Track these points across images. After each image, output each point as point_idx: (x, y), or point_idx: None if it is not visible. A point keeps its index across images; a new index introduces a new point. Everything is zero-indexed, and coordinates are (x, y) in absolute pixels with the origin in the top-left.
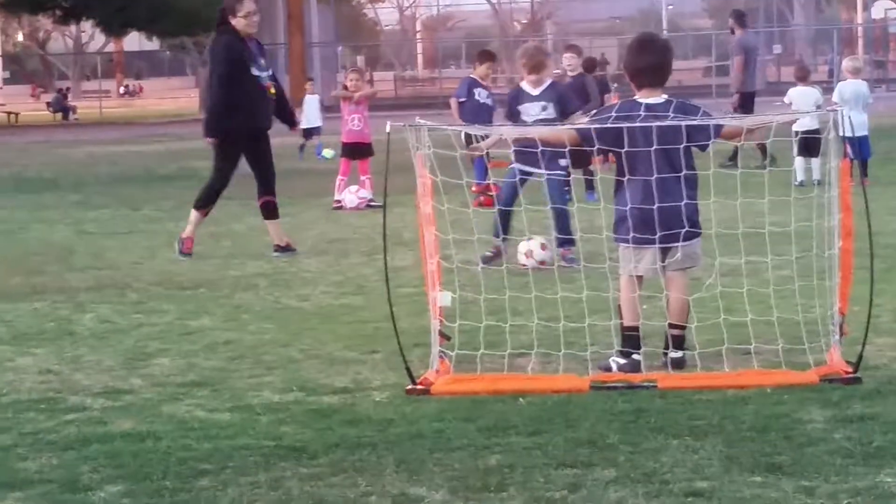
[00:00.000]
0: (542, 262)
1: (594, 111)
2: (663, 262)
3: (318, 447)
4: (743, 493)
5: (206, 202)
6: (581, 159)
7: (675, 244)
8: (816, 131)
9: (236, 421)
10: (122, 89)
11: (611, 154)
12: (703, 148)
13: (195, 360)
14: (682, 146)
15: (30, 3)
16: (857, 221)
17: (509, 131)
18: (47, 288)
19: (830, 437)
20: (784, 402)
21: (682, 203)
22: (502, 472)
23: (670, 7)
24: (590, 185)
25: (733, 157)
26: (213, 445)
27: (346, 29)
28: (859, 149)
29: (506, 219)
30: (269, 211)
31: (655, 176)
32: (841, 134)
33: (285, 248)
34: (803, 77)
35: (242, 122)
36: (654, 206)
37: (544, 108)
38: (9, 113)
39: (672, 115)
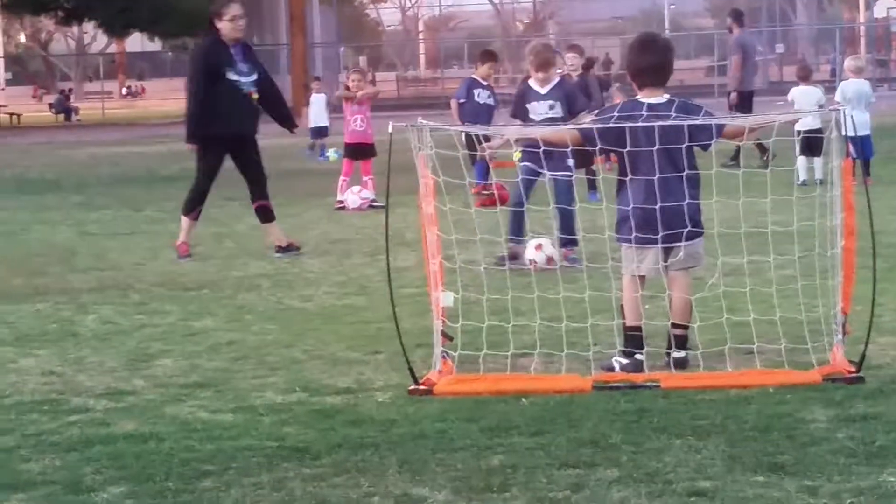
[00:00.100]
0: (549, 260)
1: (596, 111)
2: (666, 261)
3: (321, 448)
4: (746, 492)
5: (192, 206)
6: (583, 159)
7: (678, 244)
8: (819, 130)
9: (239, 422)
10: (124, 90)
11: (612, 154)
12: (706, 148)
13: (198, 361)
14: (684, 146)
15: (32, 4)
16: (860, 221)
17: (511, 131)
18: (50, 289)
19: (833, 437)
20: (787, 402)
21: (685, 203)
22: (505, 473)
23: (672, 7)
24: (592, 185)
25: (735, 157)
26: (216, 446)
27: (349, 29)
28: (862, 148)
29: (519, 219)
30: (264, 214)
31: (658, 176)
32: (843, 133)
33: (287, 249)
34: (805, 76)
35: (221, 127)
36: (657, 206)
37: (552, 107)
38: (11, 114)
39: (674, 114)
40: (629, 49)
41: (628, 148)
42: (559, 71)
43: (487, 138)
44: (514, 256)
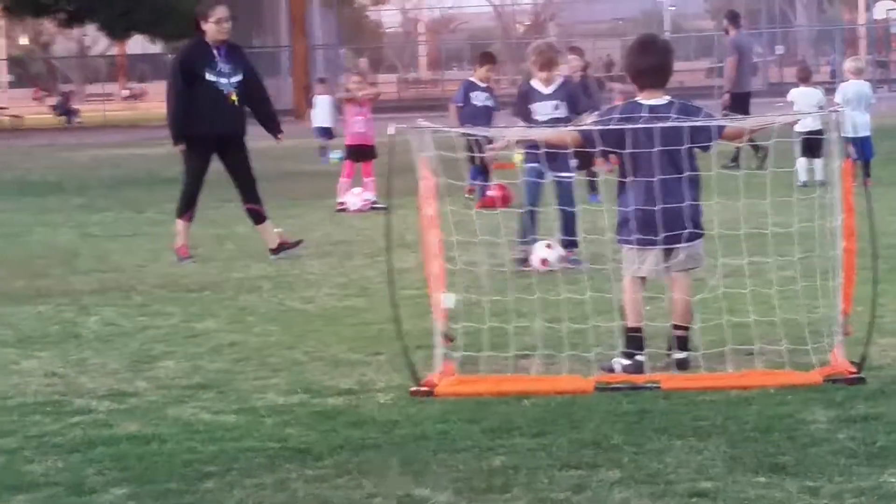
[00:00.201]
0: (544, 262)
1: (596, 112)
2: (666, 263)
3: (322, 449)
4: (747, 493)
5: (185, 209)
6: (584, 161)
7: (678, 245)
8: (819, 132)
9: (241, 423)
10: (125, 92)
11: (611, 156)
12: (706, 149)
13: (200, 363)
14: (684, 147)
15: (34, 6)
16: (860, 222)
17: (512, 133)
18: (52, 291)
19: (834, 438)
20: (788, 403)
21: (685, 204)
22: (507, 474)
23: (672, 8)
24: (593, 187)
25: (735, 159)
26: (218, 447)
27: (349, 31)
28: (862, 149)
29: (531, 220)
30: (254, 217)
31: (658, 177)
32: (843, 134)
33: (278, 249)
34: (805, 78)
35: (202, 128)
36: (657, 208)
37: (556, 107)
38: (13, 116)
39: (674, 116)
40: (629, 50)
41: (629, 150)
42: (560, 74)
43: (489, 140)
44: (526, 258)
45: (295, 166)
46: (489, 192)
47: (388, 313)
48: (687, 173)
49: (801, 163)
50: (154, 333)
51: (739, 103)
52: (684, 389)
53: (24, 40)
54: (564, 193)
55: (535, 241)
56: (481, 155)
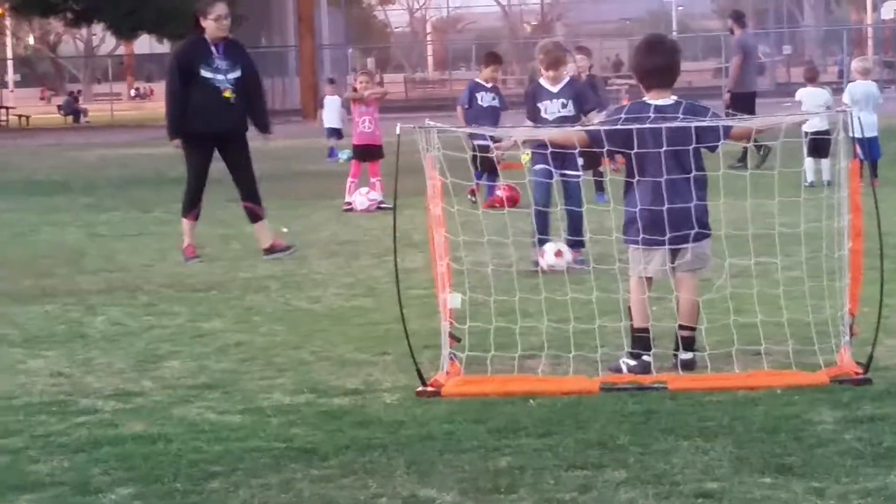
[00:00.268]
0: (552, 267)
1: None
2: (673, 263)
3: (328, 449)
4: (753, 494)
5: (189, 207)
6: (591, 161)
7: (685, 245)
8: (826, 132)
9: (247, 423)
10: (132, 92)
11: (618, 156)
12: (713, 149)
13: (206, 363)
14: (691, 147)
15: (41, 5)
16: (867, 222)
17: (519, 133)
18: (58, 290)
19: (841, 438)
20: (794, 403)
21: (692, 204)
22: (513, 474)
23: (680, 8)
24: (599, 187)
25: (742, 159)
26: (223, 447)
27: (357, 31)
28: (869, 150)
29: (544, 220)
30: (251, 216)
31: (665, 177)
32: (851, 135)
33: (270, 250)
34: (812, 78)
35: (198, 125)
36: (664, 208)
37: (564, 105)
38: (20, 116)
39: (681, 116)
40: (636, 50)
41: (636, 149)
42: (567, 73)
43: (495, 139)
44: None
45: (302, 166)
46: (497, 192)
47: (394, 313)
48: (694, 173)
49: (809, 163)
50: (160, 333)
51: (744, 103)
52: (691, 390)
53: (31, 40)
54: (572, 193)
55: (546, 241)
56: (485, 155)
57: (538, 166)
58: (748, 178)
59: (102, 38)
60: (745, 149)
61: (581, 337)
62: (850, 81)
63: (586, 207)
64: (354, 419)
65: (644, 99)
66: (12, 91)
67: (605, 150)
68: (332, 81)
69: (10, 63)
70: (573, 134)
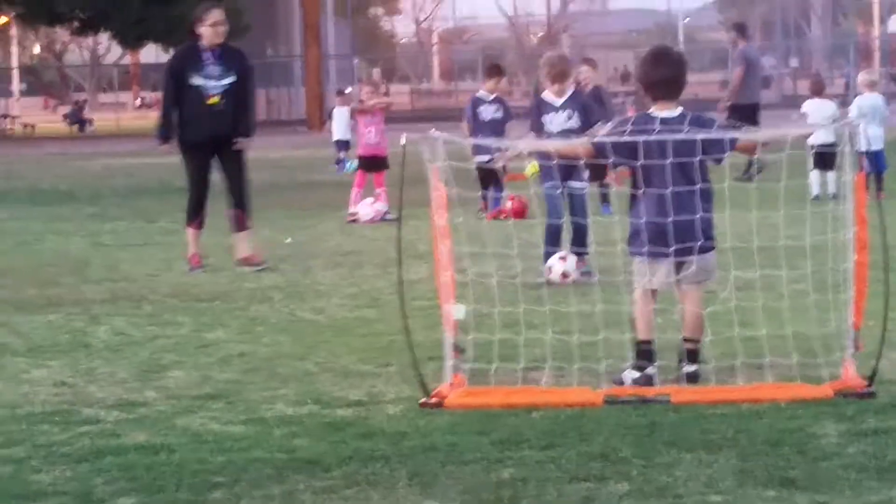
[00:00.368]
0: (565, 275)
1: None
2: (678, 275)
3: (331, 460)
4: None
5: (191, 216)
6: (596, 172)
7: (690, 258)
8: (832, 145)
9: (250, 434)
10: (138, 101)
11: (620, 169)
12: (719, 161)
13: (210, 373)
14: (697, 159)
15: (47, 14)
16: (872, 235)
17: (524, 144)
18: (62, 300)
19: (844, 452)
20: (798, 417)
21: (697, 216)
22: (515, 486)
23: (687, 20)
24: (605, 199)
25: (747, 171)
26: (226, 458)
27: (363, 41)
28: (875, 162)
29: (557, 233)
30: (236, 223)
31: (670, 189)
32: (856, 148)
33: (242, 262)
34: (818, 90)
35: (189, 133)
36: (669, 220)
37: (569, 118)
38: (25, 124)
39: (687, 128)
40: (642, 62)
41: (641, 161)
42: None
43: (500, 150)
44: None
45: (307, 176)
46: (508, 203)
47: (398, 324)
48: (699, 185)
49: (814, 175)
50: (164, 343)
51: (747, 115)
52: (694, 403)
53: (37, 48)
54: (578, 205)
55: (553, 254)
56: (486, 166)
57: (549, 183)
58: (754, 190)
59: (108, 48)
60: (751, 161)
61: (585, 349)
62: (856, 94)
63: (592, 219)
64: (357, 430)
65: (650, 111)
66: (18, 100)
67: (610, 161)
68: (341, 93)
69: (15, 72)
70: (579, 145)
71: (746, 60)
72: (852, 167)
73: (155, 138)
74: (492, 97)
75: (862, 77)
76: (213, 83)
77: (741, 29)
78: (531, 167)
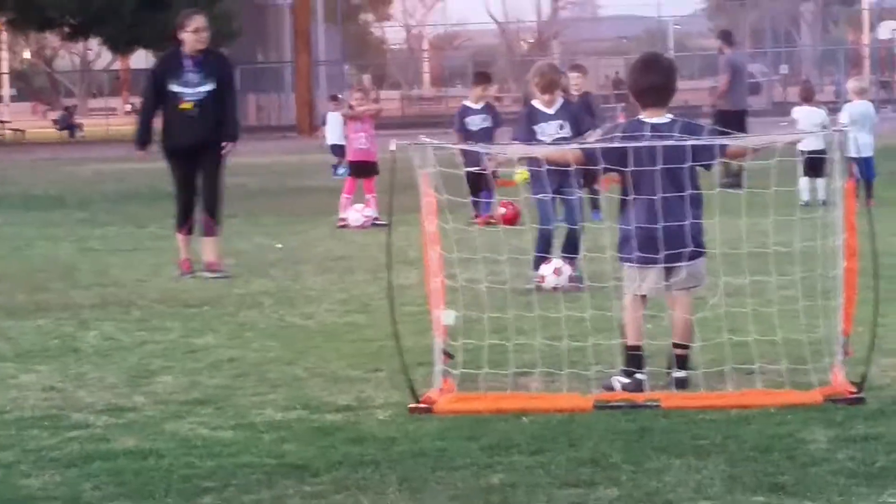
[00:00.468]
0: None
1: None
2: (667, 281)
3: (320, 465)
4: None
5: (180, 222)
6: (587, 179)
7: (680, 264)
8: (822, 151)
9: (239, 439)
10: (128, 107)
11: (609, 175)
12: (708, 167)
13: (199, 378)
14: (686, 166)
15: (37, 20)
16: (862, 242)
17: (514, 150)
18: (52, 305)
19: (834, 458)
20: (787, 422)
21: (687, 222)
22: (505, 491)
23: (677, 27)
24: (595, 205)
25: (737, 177)
26: (215, 463)
27: (353, 47)
28: (865, 169)
29: (548, 240)
30: (205, 228)
31: (660, 195)
32: (846, 154)
33: (206, 268)
34: (808, 97)
35: (168, 140)
36: (659, 226)
37: (561, 127)
38: (15, 130)
39: (677, 134)
40: (632, 69)
41: (631, 168)
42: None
43: (490, 156)
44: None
45: (297, 182)
46: (501, 210)
47: (388, 330)
48: (689, 192)
49: (804, 182)
50: (153, 348)
51: (734, 122)
52: (684, 408)
53: (27, 54)
54: (571, 210)
55: (544, 261)
56: (475, 170)
57: (540, 189)
58: (743, 196)
59: (98, 53)
60: (741, 167)
61: (575, 355)
62: (846, 101)
63: (582, 225)
64: (347, 435)
65: (640, 117)
66: (8, 105)
67: (601, 167)
68: (334, 98)
69: (5, 77)
70: (569, 152)
71: (732, 67)
72: (842, 174)
73: (133, 144)
74: (480, 106)
75: (852, 84)
76: (190, 90)
77: (727, 36)
78: (520, 174)
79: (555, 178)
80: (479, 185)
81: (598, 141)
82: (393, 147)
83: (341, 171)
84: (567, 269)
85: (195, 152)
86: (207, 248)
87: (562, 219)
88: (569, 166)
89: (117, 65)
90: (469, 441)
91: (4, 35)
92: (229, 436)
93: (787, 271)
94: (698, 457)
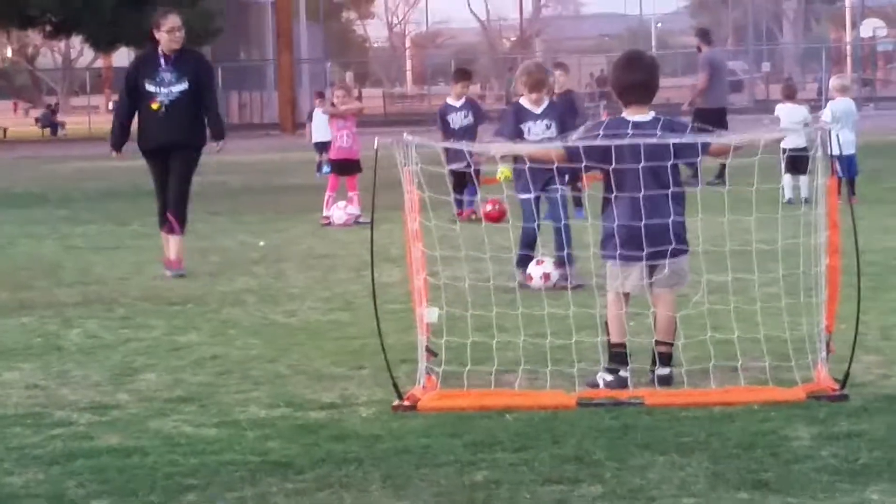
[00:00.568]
0: (546, 276)
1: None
2: (650, 279)
3: (304, 462)
4: None
5: (160, 220)
6: (570, 177)
7: (663, 261)
8: (804, 149)
9: (223, 436)
10: (110, 105)
11: (590, 172)
12: (691, 165)
13: (182, 376)
14: (669, 163)
15: (19, 17)
16: (844, 239)
17: (497, 148)
18: (35, 303)
19: (817, 455)
20: (771, 419)
21: (670, 220)
22: (488, 488)
23: (659, 25)
24: (578, 202)
25: (720, 175)
26: (199, 461)
27: (335, 45)
28: (847, 167)
29: (531, 237)
30: (168, 226)
31: (643, 193)
32: (829, 152)
33: (166, 265)
34: (791, 95)
35: (141, 141)
36: (642, 223)
37: (548, 127)
38: None
39: (660, 132)
40: (614, 66)
41: (614, 165)
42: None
43: (473, 154)
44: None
45: (280, 180)
46: (488, 207)
47: (371, 327)
48: (672, 189)
49: (787, 180)
50: (136, 346)
51: (714, 119)
52: (667, 405)
53: (8, 52)
54: (557, 208)
55: (530, 259)
56: (457, 168)
57: (524, 195)
58: (726, 194)
59: (80, 51)
60: (723, 165)
61: (558, 352)
62: (829, 99)
63: (564, 223)
64: (330, 433)
65: (622, 115)
66: None
67: (583, 165)
68: (320, 95)
69: None
70: (552, 149)
71: (711, 65)
72: (824, 171)
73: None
74: (460, 103)
75: (834, 82)
76: (163, 90)
77: (704, 34)
78: (502, 171)
79: (540, 176)
80: (462, 182)
81: (580, 139)
82: (376, 145)
83: (325, 169)
84: (556, 275)
85: (167, 152)
86: (169, 246)
87: (546, 217)
88: (552, 164)
89: (100, 63)
90: (452, 438)
91: None
92: (213, 433)
93: (769, 269)
94: (682, 454)
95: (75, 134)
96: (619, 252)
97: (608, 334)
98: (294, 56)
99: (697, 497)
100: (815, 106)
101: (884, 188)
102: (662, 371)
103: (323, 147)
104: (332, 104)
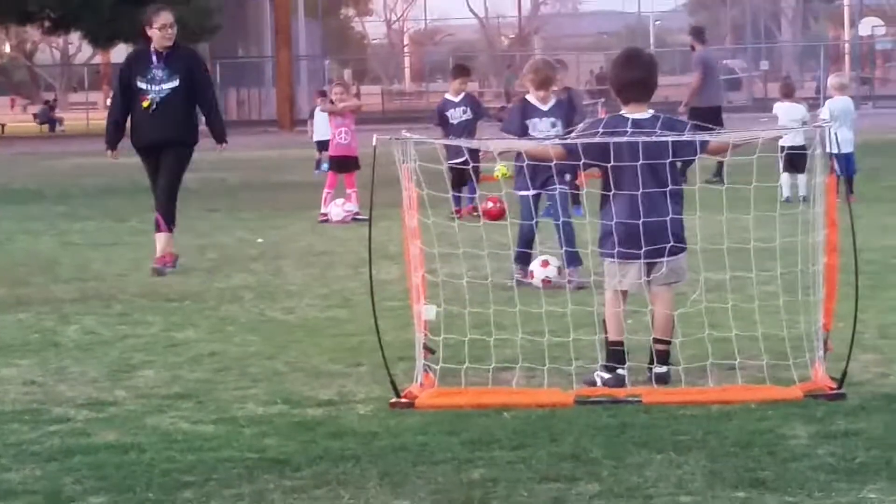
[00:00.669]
0: (546, 280)
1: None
2: (648, 276)
3: (301, 460)
4: None
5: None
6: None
7: (661, 259)
8: (802, 147)
9: (220, 433)
10: (108, 101)
11: (586, 170)
12: (689, 163)
13: (180, 372)
14: (667, 161)
15: (17, 13)
16: (842, 237)
17: (495, 145)
18: (32, 299)
19: (814, 453)
20: (768, 418)
21: (668, 218)
22: (486, 486)
23: (657, 23)
24: (576, 200)
25: (718, 173)
26: (196, 457)
27: (334, 42)
28: (845, 165)
29: (529, 235)
30: (156, 224)
31: (641, 191)
32: (828, 150)
33: (156, 262)
34: (789, 93)
35: (133, 138)
36: (640, 221)
37: (553, 125)
38: None
39: (658, 130)
40: (613, 64)
41: (612, 163)
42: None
43: (472, 152)
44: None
45: (278, 177)
46: (489, 204)
47: (369, 324)
48: (670, 187)
49: (785, 178)
50: (134, 342)
51: (707, 118)
52: (665, 403)
53: (7, 48)
54: (554, 206)
55: (528, 256)
56: (456, 164)
57: (522, 192)
58: (724, 192)
59: (79, 47)
60: (721, 163)
61: (556, 350)
62: (827, 97)
63: (563, 221)
64: (328, 430)
65: (621, 112)
66: None
67: (581, 163)
68: (322, 94)
69: None
70: (550, 147)
71: (704, 64)
72: (823, 170)
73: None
74: (459, 98)
75: (832, 80)
76: (155, 87)
77: (698, 33)
78: (500, 169)
79: (540, 173)
80: (461, 179)
81: (579, 136)
82: (374, 142)
83: (324, 166)
84: (558, 280)
85: (159, 149)
86: (161, 244)
87: (544, 214)
88: (550, 162)
89: (98, 59)
90: (450, 436)
91: None
92: (210, 430)
93: (767, 267)
94: (679, 452)
95: (73, 130)
96: (617, 250)
97: (606, 332)
98: (292, 53)
99: (694, 495)
100: (814, 104)
101: (882, 187)
102: (660, 369)
103: (324, 145)
104: (331, 101)
